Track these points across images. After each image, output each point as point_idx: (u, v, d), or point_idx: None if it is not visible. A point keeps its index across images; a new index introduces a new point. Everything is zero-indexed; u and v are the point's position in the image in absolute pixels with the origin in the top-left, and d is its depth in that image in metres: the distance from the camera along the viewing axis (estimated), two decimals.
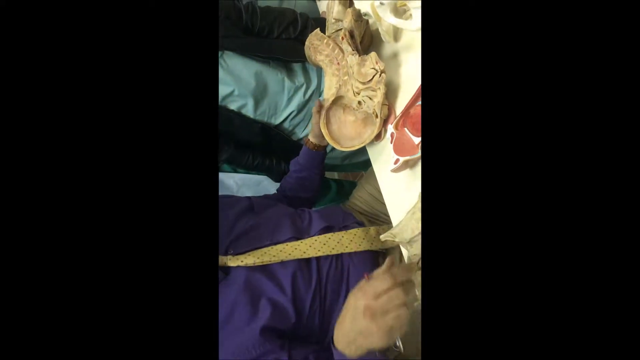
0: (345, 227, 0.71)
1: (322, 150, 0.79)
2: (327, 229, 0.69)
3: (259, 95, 0.78)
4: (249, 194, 1.00)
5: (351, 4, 0.69)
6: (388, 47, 0.68)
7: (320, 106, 0.70)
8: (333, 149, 0.78)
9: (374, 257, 0.69)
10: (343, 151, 0.72)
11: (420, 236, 0.51)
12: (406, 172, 0.61)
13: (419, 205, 0.51)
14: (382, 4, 0.56)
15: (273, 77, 0.79)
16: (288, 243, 0.64)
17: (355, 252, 0.67)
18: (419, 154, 0.56)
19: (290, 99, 0.82)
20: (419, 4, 0.55)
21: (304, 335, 0.60)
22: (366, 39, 0.70)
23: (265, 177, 0.92)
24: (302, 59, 0.73)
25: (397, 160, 0.57)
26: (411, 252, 0.52)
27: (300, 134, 0.89)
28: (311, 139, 0.78)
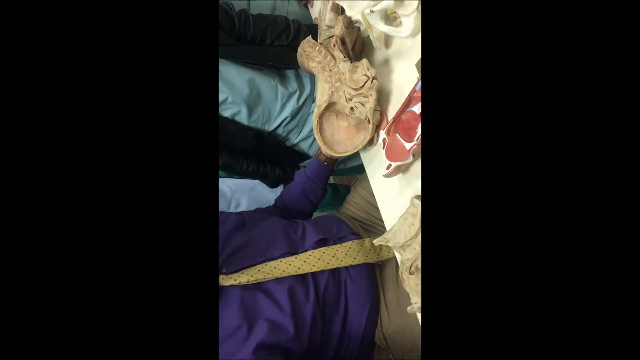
0: (340, 239, 0.70)
1: (332, 164, 0.78)
2: (322, 242, 0.68)
3: (253, 102, 0.78)
4: (242, 199, 1.00)
5: (342, 11, 0.69)
6: (379, 54, 0.69)
7: None
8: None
9: (371, 270, 0.69)
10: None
11: (412, 240, 0.51)
12: (398, 177, 0.61)
13: (411, 210, 0.51)
14: (372, 11, 0.57)
15: (266, 83, 0.79)
16: (282, 259, 0.63)
17: (351, 266, 0.66)
18: (410, 159, 0.57)
19: (283, 106, 0.83)
20: (408, 11, 0.56)
21: (305, 352, 0.59)
22: (358, 45, 0.71)
23: (258, 181, 0.93)
24: (295, 65, 0.73)
25: (389, 165, 0.58)
26: (404, 256, 0.52)
27: (294, 139, 0.90)
28: (323, 151, 0.78)
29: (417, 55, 0.60)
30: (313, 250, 0.66)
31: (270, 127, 0.84)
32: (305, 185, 0.80)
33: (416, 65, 0.60)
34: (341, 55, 0.64)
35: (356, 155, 0.75)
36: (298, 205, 0.82)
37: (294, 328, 0.57)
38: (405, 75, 0.63)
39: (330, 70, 0.66)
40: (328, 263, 0.65)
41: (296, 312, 0.58)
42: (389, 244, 0.54)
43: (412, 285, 0.51)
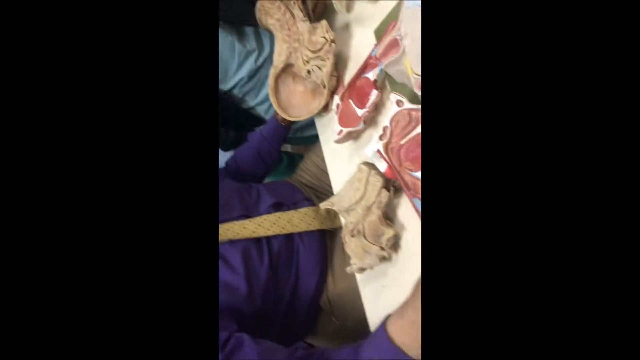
0: (294, 205, 0.70)
1: (289, 125, 0.77)
2: (277, 206, 0.68)
3: None
4: None
5: None
6: (340, 18, 0.68)
7: None
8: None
9: (322, 237, 0.70)
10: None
11: (357, 205, 0.52)
12: (349, 144, 0.62)
13: (358, 175, 0.52)
14: None
15: (222, 39, 0.76)
16: (236, 222, 0.63)
17: (305, 232, 0.67)
18: (362, 126, 0.57)
19: (240, 64, 0.80)
20: None
21: (257, 316, 0.59)
22: (319, 6, 0.69)
23: None
24: (255, 22, 0.70)
25: (341, 131, 0.58)
26: (348, 219, 0.53)
27: (251, 102, 0.87)
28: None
29: (376, 21, 0.60)
30: (268, 215, 0.65)
31: (226, 87, 0.81)
32: (260, 145, 0.78)
33: (375, 31, 0.60)
34: (301, 15, 0.62)
35: (313, 123, 0.74)
36: (252, 168, 0.81)
37: (247, 289, 0.57)
38: (363, 43, 0.62)
39: (289, 29, 0.64)
40: (283, 228, 0.65)
41: (250, 275, 0.58)
42: (334, 208, 0.55)
43: (353, 247, 0.52)
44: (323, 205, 0.56)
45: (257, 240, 0.63)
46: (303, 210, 0.69)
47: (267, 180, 0.90)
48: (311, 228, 0.67)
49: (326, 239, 0.71)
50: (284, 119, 0.75)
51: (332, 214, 0.71)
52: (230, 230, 0.61)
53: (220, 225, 0.62)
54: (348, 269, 0.52)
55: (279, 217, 0.66)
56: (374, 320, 0.54)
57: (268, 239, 0.64)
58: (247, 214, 0.65)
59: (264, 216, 0.65)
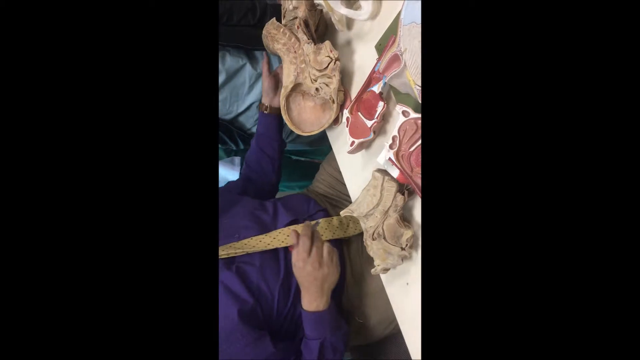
0: (310, 218, 0.74)
1: (275, 113, 0.79)
2: (293, 223, 0.72)
3: (220, 83, 0.79)
4: None
5: None
6: (342, 36, 0.72)
7: (268, 64, 0.77)
8: (297, 135, 0.82)
9: (338, 247, 0.73)
10: (306, 136, 0.75)
11: (374, 210, 0.56)
12: (362, 153, 0.66)
13: (373, 182, 0.56)
14: None
15: (234, 63, 0.80)
16: (253, 237, 0.68)
17: None
18: (372, 136, 0.61)
19: (252, 87, 0.84)
20: None
21: (276, 331, 0.64)
22: (321, 27, 0.73)
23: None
24: (263, 46, 0.75)
25: (353, 142, 0.62)
26: (367, 224, 0.57)
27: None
28: (263, 100, 0.79)
29: (376, 37, 0.64)
30: (283, 228, 0.70)
31: (238, 109, 0.86)
32: (258, 141, 0.82)
33: (376, 47, 0.64)
34: (305, 37, 0.67)
35: (326, 136, 0.78)
36: (259, 167, 0.83)
37: (260, 310, 0.62)
38: (365, 57, 0.66)
39: (295, 52, 0.69)
40: None
41: (262, 291, 0.63)
42: (354, 214, 0.59)
43: (375, 250, 0.56)
44: (343, 213, 0.60)
45: (274, 253, 0.67)
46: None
47: (283, 191, 0.94)
48: (324, 239, 0.70)
49: (342, 248, 0.75)
50: (266, 107, 0.79)
51: (344, 224, 0.75)
52: (247, 244, 0.66)
53: (239, 242, 0.67)
54: (372, 271, 0.56)
55: (293, 230, 0.70)
56: (401, 316, 0.58)
57: (285, 251, 0.68)
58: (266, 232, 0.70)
59: (280, 230, 0.69)
